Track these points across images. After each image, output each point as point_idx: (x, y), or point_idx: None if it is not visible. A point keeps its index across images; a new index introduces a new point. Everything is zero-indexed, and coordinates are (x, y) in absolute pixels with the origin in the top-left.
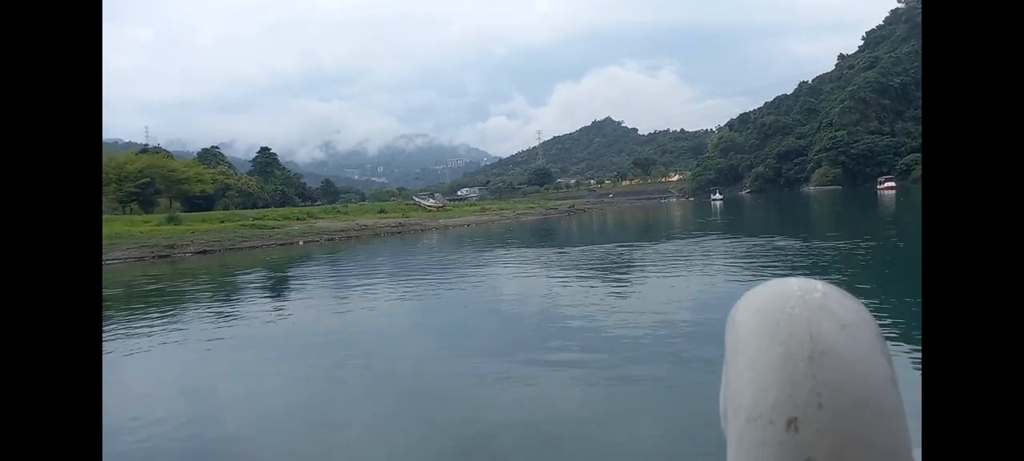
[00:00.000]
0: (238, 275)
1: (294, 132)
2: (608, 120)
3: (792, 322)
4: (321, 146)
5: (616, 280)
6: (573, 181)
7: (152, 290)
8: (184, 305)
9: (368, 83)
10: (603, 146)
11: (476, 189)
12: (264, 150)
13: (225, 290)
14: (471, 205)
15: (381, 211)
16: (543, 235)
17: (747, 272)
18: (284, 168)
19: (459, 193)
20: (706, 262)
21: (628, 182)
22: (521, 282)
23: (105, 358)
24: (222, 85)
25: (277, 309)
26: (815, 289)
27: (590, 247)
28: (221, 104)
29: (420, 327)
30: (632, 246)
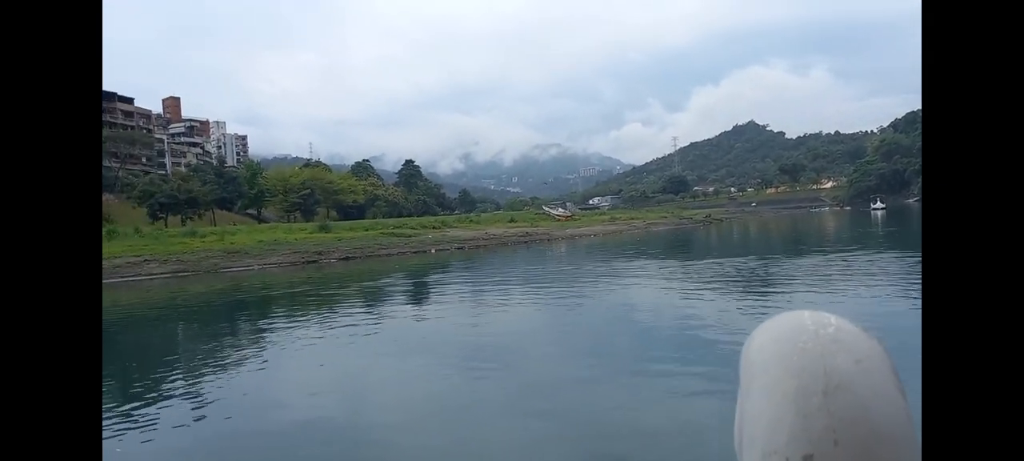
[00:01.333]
0: (376, 280)
1: (437, 144)
2: (751, 124)
3: (806, 356)
4: (461, 157)
5: (753, 296)
6: (711, 189)
7: (302, 292)
8: (330, 305)
9: (507, 95)
10: (745, 151)
11: (608, 198)
12: (408, 163)
13: (363, 293)
14: (601, 215)
15: (511, 220)
16: (675, 246)
17: (913, 292)
18: (426, 179)
19: (590, 202)
20: (863, 280)
21: (773, 190)
22: (644, 293)
23: (269, 349)
24: (376, 102)
25: (410, 311)
26: (829, 323)
27: (726, 260)
28: (374, 120)
29: (545, 333)
30: (774, 260)
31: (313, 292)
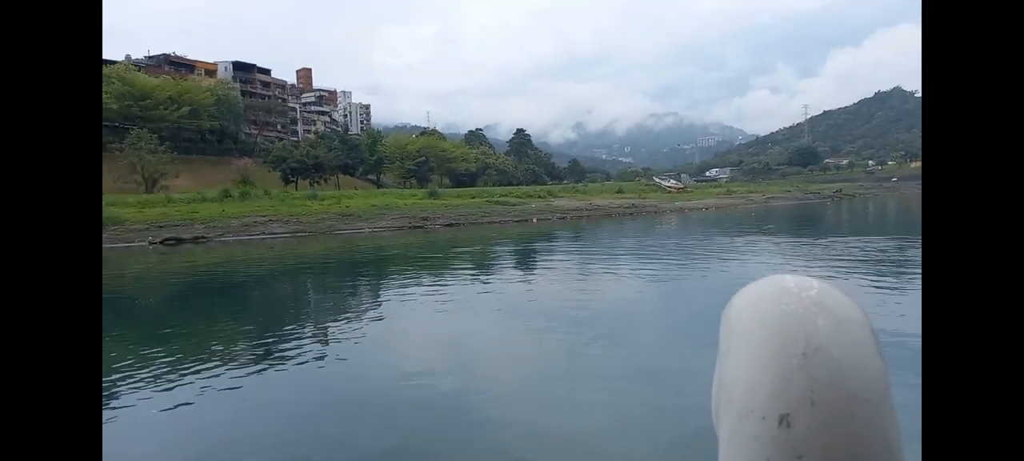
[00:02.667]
0: (472, 247)
1: (549, 114)
2: (897, 90)
3: (787, 318)
4: (573, 127)
5: (880, 279)
6: (845, 162)
7: (405, 255)
8: (432, 268)
9: (622, 63)
10: (887, 121)
11: (727, 170)
12: (519, 132)
13: (461, 258)
14: (717, 187)
15: (618, 191)
16: (796, 223)
17: None
18: (536, 148)
19: (707, 174)
20: None
21: (919, 164)
22: (741, 272)
23: (383, 309)
24: (491, 72)
25: (506, 278)
26: (811, 286)
27: (855, 239)
28: (489, 89)
29: (637, 307)
30: (911, 241)
31: (416, 255)
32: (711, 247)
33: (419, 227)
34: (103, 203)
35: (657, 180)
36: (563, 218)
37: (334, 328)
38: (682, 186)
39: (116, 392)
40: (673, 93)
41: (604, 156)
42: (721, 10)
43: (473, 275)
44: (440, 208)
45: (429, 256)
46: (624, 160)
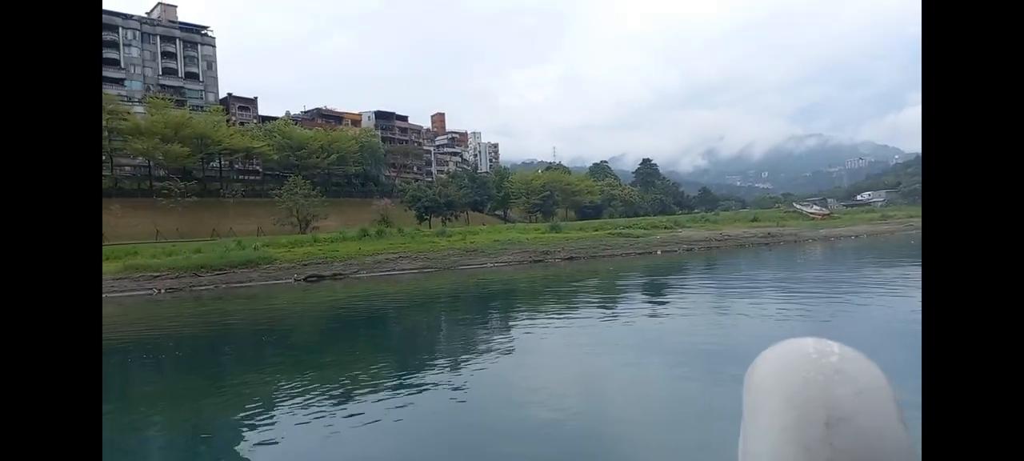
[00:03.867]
0: (583, 281)
1: (677, 142)
2: None
3: (809, 386)
4: (704, 154)
5: None
6: None
7: (524, 288)
8: (549, 301)
9: (752, 87)
10: None
11: (882, 192)
12: (645, 162)
13: (577, 292)
14: (870, 212)
15: (753, 219)
16: None
17: None
18: (664, 178)
19: (858, 198)
20: None
21: None
22: (909, 303)
23: (510, 336)
24: (615, 107)
25: (632, 311)
26: (832, 352)
27: None
28: (614, 123)
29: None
30: None
31: (539, 289)
32: (861, 278)
33: (539, 261)
34: (261, 244)
35: (798, 206)
36: (690, 249)
37: (459, 359)
38: (828, 212)
39: (275, 413)
40: (814, 114)
41: (739, 183)
42: (862, 27)
43: (598, 307)
44: (561, 242)
45: (552, 289)
46: (761, 186)
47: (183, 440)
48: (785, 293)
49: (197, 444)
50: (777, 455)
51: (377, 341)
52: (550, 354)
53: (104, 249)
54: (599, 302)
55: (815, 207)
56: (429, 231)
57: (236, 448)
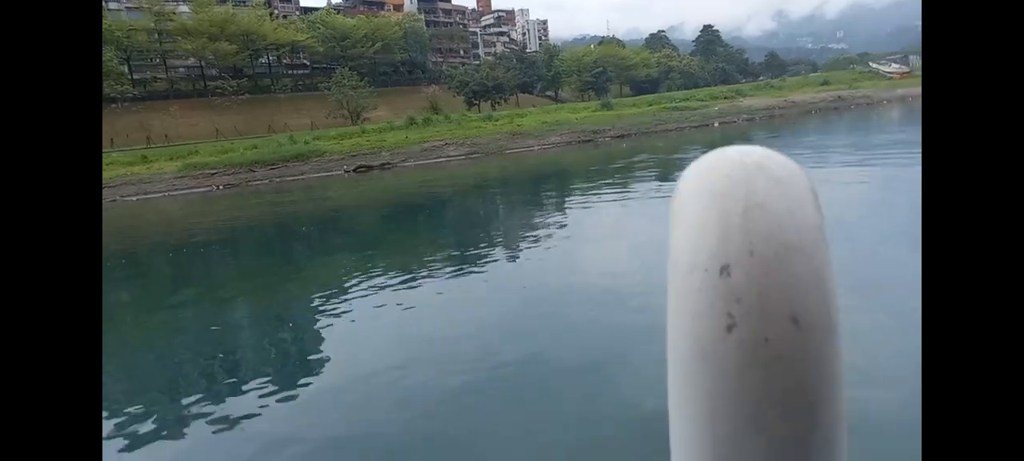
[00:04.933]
0: (631, 158)
1: (742, 5)
2: None
3: (729, 182)
4: (772, 16)
5: None
6: None
7: (572, 171)
8: (600, 184)
9: None
10: None
11: None
12: (706, 28)
13: (634, 172)
14: None
15: (823, 83)
16: None
17: None
18: (726, 45)
19: None
20: None
21: None
22: None
23: (557, 218)
24: None
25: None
26: (753, 152)
27: None
28: None
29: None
30: None
31: (587, 170)
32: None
33: (588, 141)
34: (312, 138)
35: (875, 66)
36: (751, 119)
37: (512, 242)
38: (907, 70)
39: (342, 299)
40: None
41: (810, 45)
42: None
43: (653, 181)
44: (613, 120)
45: (598, 169)
46: (835, 47)
47: (269, 327)
48: (853, 156)
49: (281, 330)
50: (698, 245)
51: (430, 227)
52: (601, 230)
53: (167, 150)
54: (653, 176)
55: (894, 65)
56: (476, 116)
57: (319, 331)
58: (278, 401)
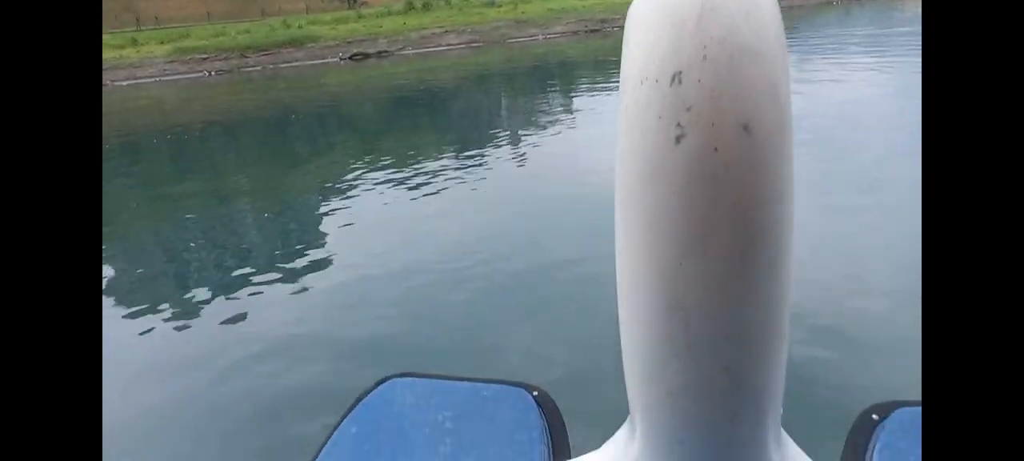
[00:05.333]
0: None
1: None
2: None
3: None
4: None
5: None
6: None
7: (573, 63)
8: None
9: None
10: None
11: None
12: None
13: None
14: None
15: None
16: None
17: None
18: None
19: None
20: None
21: None
22: None
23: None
24: None
25: None
26: None
27: None
28: None
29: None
30: None
31: (590, 60)
32: None
33: (596, 31)
34: (306, 22)
35: None
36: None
37: (518, 137)
38: None
39: (343, 194)
40: None
41: None
42: None
43: None
44: (623, 6)
45: (607, 60)
46: None
47: (275, 220)
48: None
49: (288, 222)
50: (649, 56)
51: (433, 121)
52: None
53: (157, 33)
54: None
55: None
56: (478, 1)
57: (320, 226)
58: (279, 295)
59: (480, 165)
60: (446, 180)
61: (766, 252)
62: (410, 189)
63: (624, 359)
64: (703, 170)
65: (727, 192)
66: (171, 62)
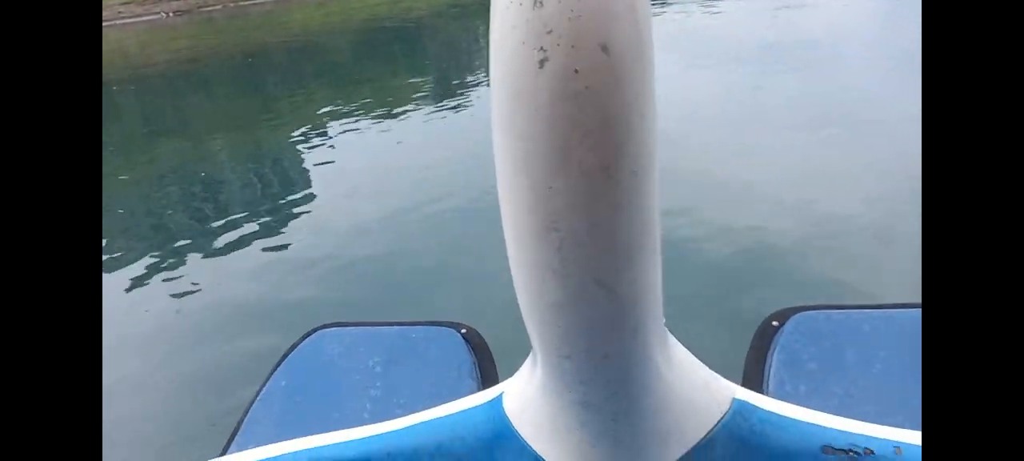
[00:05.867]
0: None
1: None
2: None
3: None
4: None
5: None
6: None
7: None
8: None
9: None
10: None
11: None
12: None
13: None
14: None
15: None
16: None
17: None
18: None
19: None
20: None
21: None
22: None
23: None
24: None
25: None
26: None
27: None
28: None
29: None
30: None
31: None
32: None
33: None
34: None
35: None
36: None
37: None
38: None
39: (321, 135)
40: None
41: None
42: None
43: None
44: None
45: None
46: None
47: (250, 166)
48: None
49: (264, 167)
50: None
51: (409, 56)
52: None
53: None
54: None
55: None
56: None
57: (300, 168)
58: (263, 238)
59: (452, 105)
60: (421, 117)
61: (629, 167)
62: (386, 128)
63: (513, 281)
64: (565, 91)
65: (589, 112)
66: (126, 4)
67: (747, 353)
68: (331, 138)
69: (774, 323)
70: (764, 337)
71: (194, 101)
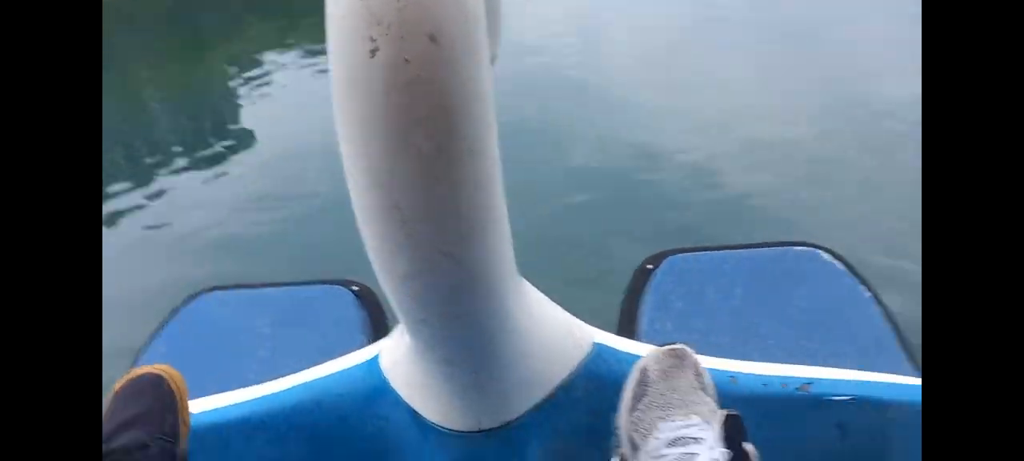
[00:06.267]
0: None
1: None
2: None
3: None
4: None
5: None
6: None
7: None
8: None
9: None
10: None
11: None
12: None
13: None
14: None
15: None
16: None
17: None
18: None
19: None
20: None
21: None
22: None
23: None
24: None
25: None
26: None
27: None
28: None
29: None
30: None
31: None
32: None
33: None
34: None
35: None
36: None
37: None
38: None
39: (261, 73)
40: None
41: None
42: None
43: None
44: None
45: None
46: None
47: (185, 106)
48: None
49: (199, 108)
50: None
51: None
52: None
53: None
54: None
55: None
56: None
57: (242, 107)
58: (209, 177)
59: None
60: None
61: (466, 148)
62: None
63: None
64: (397, 80)
65: (421, 100)
66: None
67: (623, 295)
68: (265, 77)
69: (648, 266)
70: (639, 279)
71: (127, 38)
